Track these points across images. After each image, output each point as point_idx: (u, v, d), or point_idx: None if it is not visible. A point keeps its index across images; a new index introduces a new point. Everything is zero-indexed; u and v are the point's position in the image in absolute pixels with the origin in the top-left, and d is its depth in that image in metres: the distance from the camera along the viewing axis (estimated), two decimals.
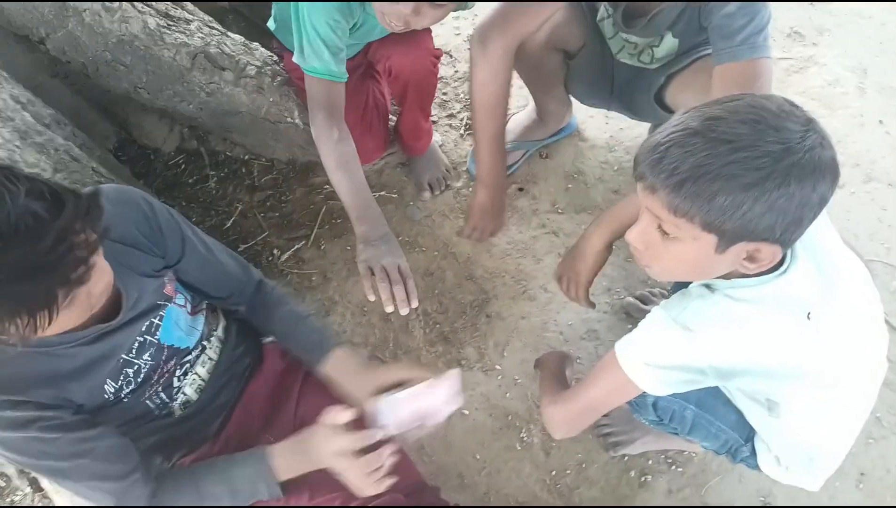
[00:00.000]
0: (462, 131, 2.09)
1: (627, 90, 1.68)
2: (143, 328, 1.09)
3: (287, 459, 1.11)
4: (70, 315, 0.90)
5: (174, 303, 1.15)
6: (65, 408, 1.00)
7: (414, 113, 1.80)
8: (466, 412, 1.61)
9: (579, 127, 2.07)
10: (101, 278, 0.91)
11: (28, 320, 0.82)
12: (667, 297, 1.70)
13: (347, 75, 1.49)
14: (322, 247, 1.84)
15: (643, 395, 1.13)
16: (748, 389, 1.12)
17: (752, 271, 0.97)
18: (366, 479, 1.07)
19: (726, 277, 1.02)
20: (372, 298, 1.41)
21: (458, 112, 2.12)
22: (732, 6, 1.30)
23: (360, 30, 1.52)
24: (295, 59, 1.49)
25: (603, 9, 1.52)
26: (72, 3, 1.55)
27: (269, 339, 1.36)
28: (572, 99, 1.91)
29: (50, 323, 0.85)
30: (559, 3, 1.46)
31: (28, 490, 1.48)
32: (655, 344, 1.06)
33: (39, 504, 1.48)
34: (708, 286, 1.05)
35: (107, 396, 1.06)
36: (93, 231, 0.86)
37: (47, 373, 0.98)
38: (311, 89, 1.48)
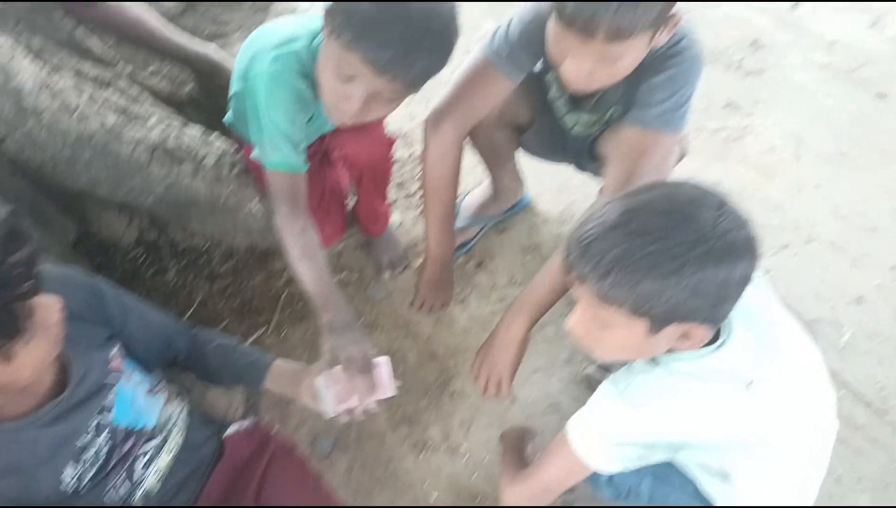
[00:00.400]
0: (420, 210, 2.14)
1: (579, 151, 1.73)
2: (98, 409, 1.09)
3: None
4: (20, 368, 0.91)
5: (129, 381, 1.16)
6: (28, 493, 0.98)
7: (371, 197, 1.85)
8: (436, 493, 1.60)
9: (532, 201, 2.14)
10: (43, 331, 0.92)
11: None
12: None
13: (308, 165, 1.53)
14: (283, 333, 1.85)
15: (597, 472, 1.14)
16: (699, 460, 1.15)
17: (688, 348, 1.01)
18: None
19: (669, 350, 1.06)
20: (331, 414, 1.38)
21: (415, 192, 2.18)
22: (660, 78, 1.36)
23: (315, 122, 1.57)
24: (255, 154, 1.52)
25: (554, 89, 1.59)
26: (30, 104, 1.57)
27: (232, 429, 1.36)
28: (524, 175, 1.99)
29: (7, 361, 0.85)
30: (508, 87, 1.51)
31: None
32: (603, 422, 1.09)
33: None
34: (652, 360, 1.08)
35: (67, 483, 1.04)
36: (25, 250, 0.87)
37: (10, 463, 0.97)
38: (273, 182, 1.49)
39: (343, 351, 1.41)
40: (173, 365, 1.38)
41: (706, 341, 1.01)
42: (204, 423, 1.32)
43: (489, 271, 2.00)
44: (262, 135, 1.45)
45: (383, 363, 1.32)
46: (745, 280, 0.95)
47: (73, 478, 1.05)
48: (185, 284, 1.88)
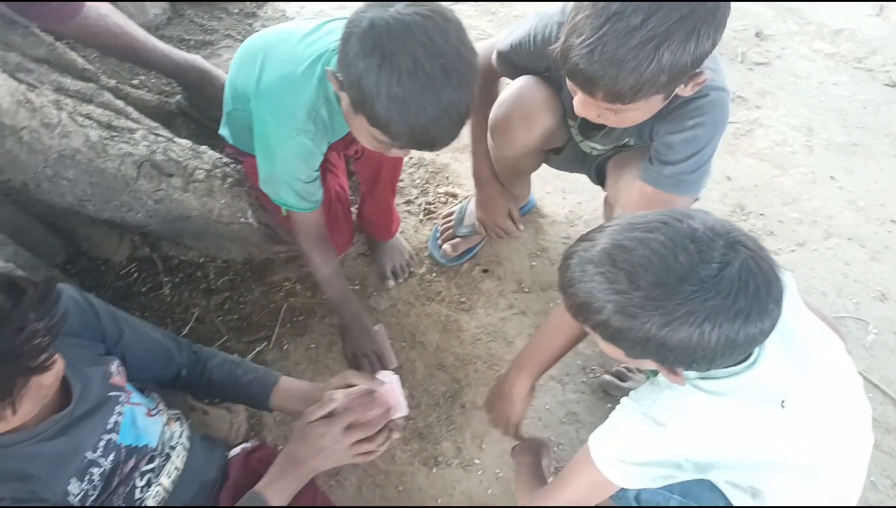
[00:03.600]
0: (421, 217, 2.06)
1: (596, 170, 1.69)
2: (108, 426, 1.06)
3: (278, 485, 1.12)
4: (22, 409, 0.90)
5: (130, 400, 1.13)
6: (41, 500, 0.96)
7: (386, 194, 1.79)
8: None
9: (537, 204, 2.07)
10: (53, 366, 0.92)
11: None
12: (643, 373, 1.66)
13: (321, 199, 1.51)
14: (285, 347, 1.77)
15: (624, 488, 1.08)
16: (727, 478, 1.08)
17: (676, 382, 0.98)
18: (361, 444, 1.15)
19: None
20: None
21: (416, 197, 2.11)
22: (676, 138, 1.29)
23: (329, 136, 1.49)
24: (266, 189, 1.49)
25: (568, 112, 1.52)
26: (8, 122, 1.50)
27: (234, 452, 1.31)
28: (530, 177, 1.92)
29: (13, 413, 0.86)
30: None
31: None
32: (628, 441, 1.03)
33: None
34: None
35: (74, 497, 1.01)
36: (50, 319, 0.88)
37: (17, 472, 0.95)
38: (294, 218, 1.52)
39: (359, 349, 1.63)
40: (174, 384, 1.31)
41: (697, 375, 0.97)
42: (207, 446, 1.26)
43: (496, 277, 1.92)
44: (273, 176, 1.44)
45: (394, 381, 1.25)
46: (773, 325, 0.89)
47: (77, 495, 1.01)
48: (181, 300, 1.80)
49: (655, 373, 1.46)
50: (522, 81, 1.50)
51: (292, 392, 1.31)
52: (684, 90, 1.16)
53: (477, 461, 1.60)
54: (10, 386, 0.85)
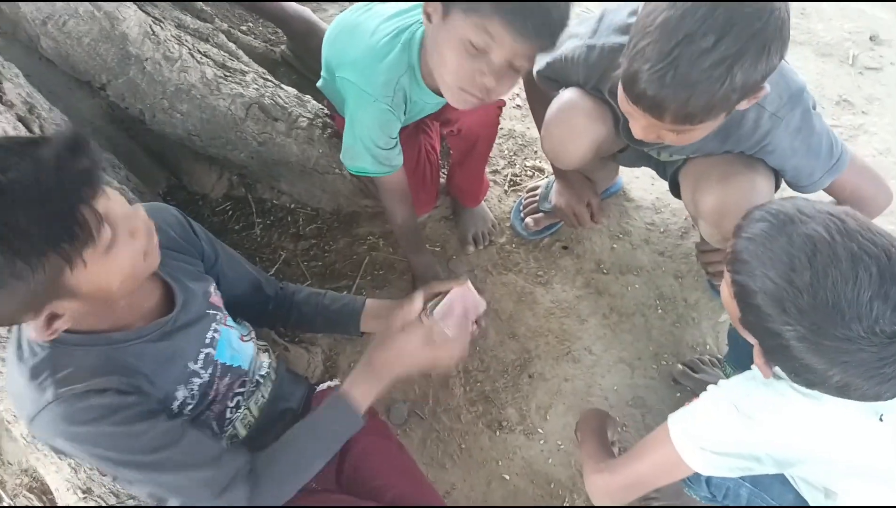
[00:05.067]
0: (506, 187, 2.08)
1: (668, 176, 1.66)
2: (207, 341, 1.11)
3: (361, 388, 1.13)
4: (127, 307, 0.97)
5: (226, 322, 1.18)
6: (145, 395, 0.99)
7: (478, 165, 1.81)
8: (507, 476, 1.56)
9: (625, 187, 2.06)
10: (125, 240, 0.92)
11: (54, 256, 0.82)
12: (719, 366, 1.64)
13: (402, 161, 1.54)
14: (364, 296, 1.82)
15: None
16: (805, 476, 1.07)
17: None
18: (444, 347, 1.16)
19: None
20: None
21: (503, 168, 2.12)
22: (790, 164, 1.34)
23: (414, 110, 1.53)
24: (344, 159, 1.55)
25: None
26: (134, 51, 1.58)
27: (324, 385, 1.36)
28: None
29: (77, 258, 0.85)
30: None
31: None
32: (712, 429, 1.03)
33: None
34: (774, 374, 1.01)
35: (175, 405, 1.06)
36: (89, 159, 0.87)
37: (121, 366, 0.98)
38: (379, 182, 1.57)
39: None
40: (262, 316, 1.37)
41: None
42: (291, 379, 1.32)
43: (576, 254, 1.92)
44: (353, 143, 1.48)
45: (468, 282, 1.26)
46: (869, 397, 0.87)
47: (179, 401, 1.06)
48: (271, 241, 1.87)
49: (734, 368, 1.45)
50: (566, 95, 1.49)
51: (380, 312, 1.33)
52: (744, 104, 1.15)
53: (540, 430, 1.62)
54: (70, 219, 0.83)
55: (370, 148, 1.46)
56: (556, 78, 1.51)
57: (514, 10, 1.13)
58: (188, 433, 0.99)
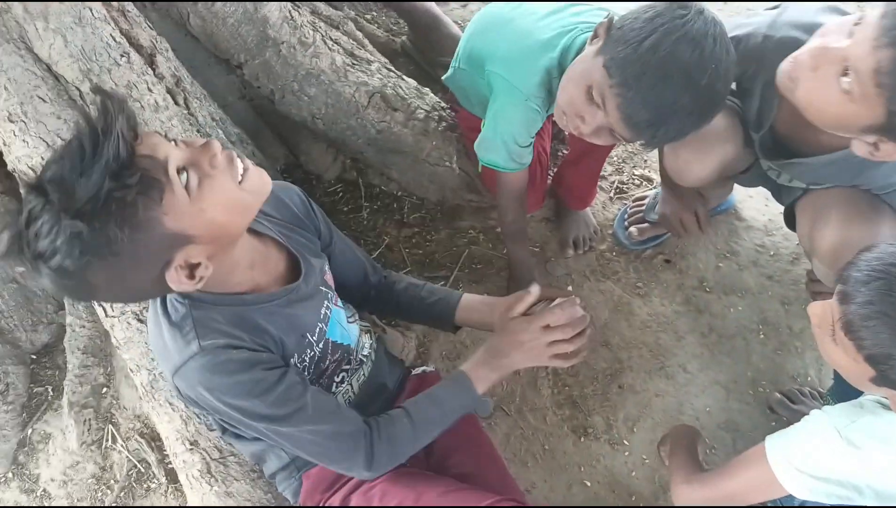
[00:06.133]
0: (612, 194, 2.06)
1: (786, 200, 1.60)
2: (321, 316, 1.16)
3: (481, 371, 1.17)
4: (256, 271, 1.05)
5: (336, 302, 1.24)
6: (272, 354, 1.05)
7: (595, 164, 1.83)
8: (588, 483, 1.56)
9: (737, 205, 2.00)
10: (206, 177, 0.91)
11: (130, 210, 0.82)
12: (819, 400, 1.59)
13: (531, 160, 1.57)
14: (460, 290, 1.85)
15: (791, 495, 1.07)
16: None
17: None
18: (559, 345, 1.16)
19: None
20: None
21: (610, 175, 2.10)
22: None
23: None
24: (478, 150, 1.57)
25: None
26: (273, 34, 1.68)
27: (418, 370, 1.42)
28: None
29: (153, 204, 0.85)
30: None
31: (164, 480, 1.57)
32: (811, 452, 1.02)
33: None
34: (882, 404, 0.98)
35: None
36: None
37: (252, 325, 1.04)
38: (500, 175, 1.59)
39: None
40: (364, 302, 1.43)
41: None
42: (389, 360, 1.38)
43: (678, 269, 1.89)
44: (492, 137, 1.50)
45: (573, 298, 1.26)
46: None
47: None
48: (376, 226, 1.94)
49: (835, 399, 1.40)
50: None
51: (476, 306, 1.35)
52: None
53: (626, 442, 1.61)
54: (141, 173, 0.84)
55: (508, 143, 1.48)
56: None
57: (634, 102, 1.16)
58: (311, 390, 1.05)
